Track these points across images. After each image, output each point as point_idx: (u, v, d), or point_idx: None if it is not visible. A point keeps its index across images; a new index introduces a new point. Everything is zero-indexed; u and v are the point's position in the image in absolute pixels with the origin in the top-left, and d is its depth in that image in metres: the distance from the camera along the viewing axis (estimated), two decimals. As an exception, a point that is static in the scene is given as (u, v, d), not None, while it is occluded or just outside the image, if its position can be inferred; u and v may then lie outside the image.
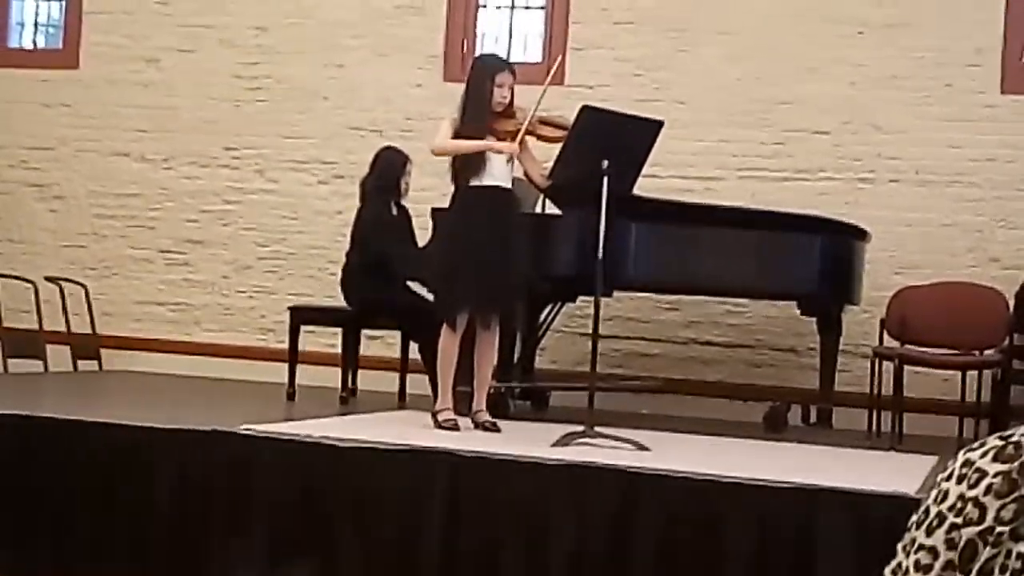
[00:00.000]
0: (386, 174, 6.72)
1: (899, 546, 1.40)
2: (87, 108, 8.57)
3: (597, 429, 5.08)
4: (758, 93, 7.63)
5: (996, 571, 1.33)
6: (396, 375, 6.94)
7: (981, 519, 1.34)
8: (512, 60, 6.21)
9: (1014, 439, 1.36)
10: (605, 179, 5.25)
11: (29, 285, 8.01)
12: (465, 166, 5.49)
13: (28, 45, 9.02)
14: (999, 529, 1.33)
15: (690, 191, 7.45)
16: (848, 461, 5.45)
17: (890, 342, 6.62)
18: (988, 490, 1.34)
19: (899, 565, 1.39)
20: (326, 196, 8.16)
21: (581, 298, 6.93)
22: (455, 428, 5.42)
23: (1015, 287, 6.83)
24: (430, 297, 6.06)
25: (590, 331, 5.55)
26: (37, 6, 9.00)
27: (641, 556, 4.26)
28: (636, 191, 5.73)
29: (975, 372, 6.68)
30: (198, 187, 8.40)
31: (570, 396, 6.68)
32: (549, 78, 5.60)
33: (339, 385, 6.70)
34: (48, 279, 8.16)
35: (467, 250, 5.48)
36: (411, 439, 4.85)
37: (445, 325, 5.52)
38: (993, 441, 1.38)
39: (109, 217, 8.53)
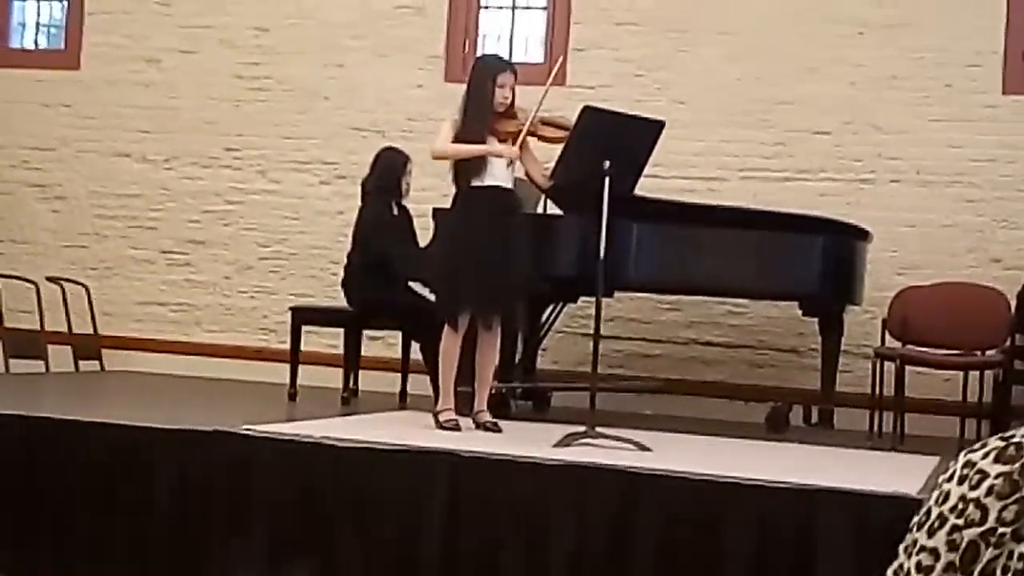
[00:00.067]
0: (387, 174, 6.72)
1: (900, 547, 1.40)
2: (88, 108, 8.58)
3: (598, 429, 5.08)
4: (759, 93, 7.63)
5: (998, 572, 1.33)
6: (397, 375, 6.94)
7: (983, 520, 1.33)
8: (513, 61, 6.21)
9: (1015, 440, 1.36)
10: (606, 179, 5.25)
11: (31, 285, 8.02)
12: (466, 167, 5.49)
13: (29, 46, 9.02)
14: (1001, 530, 1.33)
15: (691, 191, 7.45)
16: (849, 461, 5.45)
17: (891, 342, 6.62)
18: (990, 491, 1.34)
19: (900, 566, 1.39)
20: (327, 196, 8.17)
21: (582, 298, 6.93)
22: (456, 428, 5.41)
23: (1016, 287, 6.84)
24: (431, 297, 6.06)
25: (591, 331, 5.55)
26: (38, 7, 9.01)
27: (641, 556, 4.26)
28: (637, 191, 5.73)
29: (976, 372, 6.67)
30: (199, 187, 8.40)
31: (571, 396, 6.69)
32: (550, 79, 5.60)
33: (340, 385, 6.70)
34: (49, 279, 8.16)
35: (468, 250, 5.48)
36: (412, 439, 4.85)
37: (446, 325, 5.52)
38: (994, 442, 1.37)
39: (110, 217, 8.53)
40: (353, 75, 8.20)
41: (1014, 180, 7.34)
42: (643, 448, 4.99)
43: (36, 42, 9.04)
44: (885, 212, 7.37)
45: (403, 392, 6.90)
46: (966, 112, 7.40)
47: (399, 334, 7.01)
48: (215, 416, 5.29)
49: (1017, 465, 1.34)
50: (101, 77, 8.56)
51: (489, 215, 5.47)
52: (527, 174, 5.64)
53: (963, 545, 1.34)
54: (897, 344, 6.57)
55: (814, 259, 6.59)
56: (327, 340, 7.38)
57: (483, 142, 5.46)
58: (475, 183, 5.48)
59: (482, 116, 5.48)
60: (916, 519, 1.40)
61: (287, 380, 6.73)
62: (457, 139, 5.49)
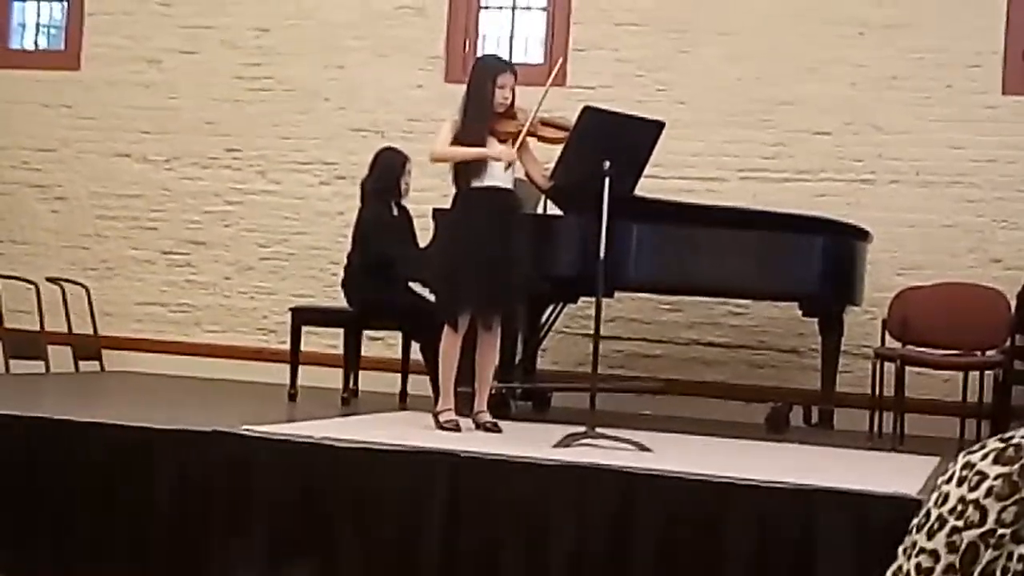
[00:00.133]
0: (386, 175, 6.72)
1: (900, 549, 1.40)
2: (88, 109, 8.58)
3: (598, 430, 5.08)
4: (759, 94, 7.63)
5: (997, 573, 1.33)
6: (397, 376, 6.94)
7: (982, 521, 1.33)
8: (513, 61, 6.21)
9: (1014, 441, 1.36)
10: (606, 180, 5.25)
11: (31, 286, 8.02)
12: (466, 168, 5.49)
13: (29, 46, 9.02)
14: (1000, 531, 1.33)
15: (691, 192, 7.45)
16: (849, 462, 5.45)
17: (891, 343, 6.62)
18: (989, 492, 1.34)
19: (900, 568, 1.39)
20: (327, 197, 8.17)
21: (582, 299, 6.93)
22: (456, 429, 5.41)
23: (1016, 288, 6.84)
24: (431, 298, 6.06)
25: (591, 332, 5.55)
26: (39, 7, 9.01)
27: (641, 556, 4.26)
28: (637, 192, 5.73)
29: (976, 373, 6.67)
30: (200, 188, 8.40)
31: (571, 397, 6.69)
32: (551, 79, 5.60)
33: (340, 386, 6.70)
34: (50, 280, 8.17)
35: (468, 251, 5.48)
36: (412, 440, 4.86)
37: (446, 326, 5.52)
38: (993, 443, 1.37)
39: (111, 218, 8.53)
40: (353, 75, 8.20)
41: (1014, 180, 7.34)
42: (643, 448, 4.99)
43: (36, 43, 9.05)
44: (885, 212, 7.37)
45: (403, 392, 6.90)
46: (966, 112, 7.40)
47: (399, 334, 7.01)
48: (215, 416, 5.29)
49: (1016, 466, 1.34)
50: (101, 78, 8.56)
51: (489, 215, 5.47)
52: (527, 174, 5.64)
53: (963, 547, 1.34)
54: (897, 344, 6.57)
55: (814, 259, 6.59)
56: (327, 340, 7.38)
57: (483, 143, 5.46)
58: (475, 184, 5.48)
59: (482, 116, 5.48)
60: (915, 521, 1.40)
61: (287, 380, 6.73)
62: (457, 140, 5.49)
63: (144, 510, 4.69)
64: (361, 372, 6.82)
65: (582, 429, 5.08)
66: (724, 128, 7.65)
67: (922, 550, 1.37)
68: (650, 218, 6.35)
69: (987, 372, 6.66)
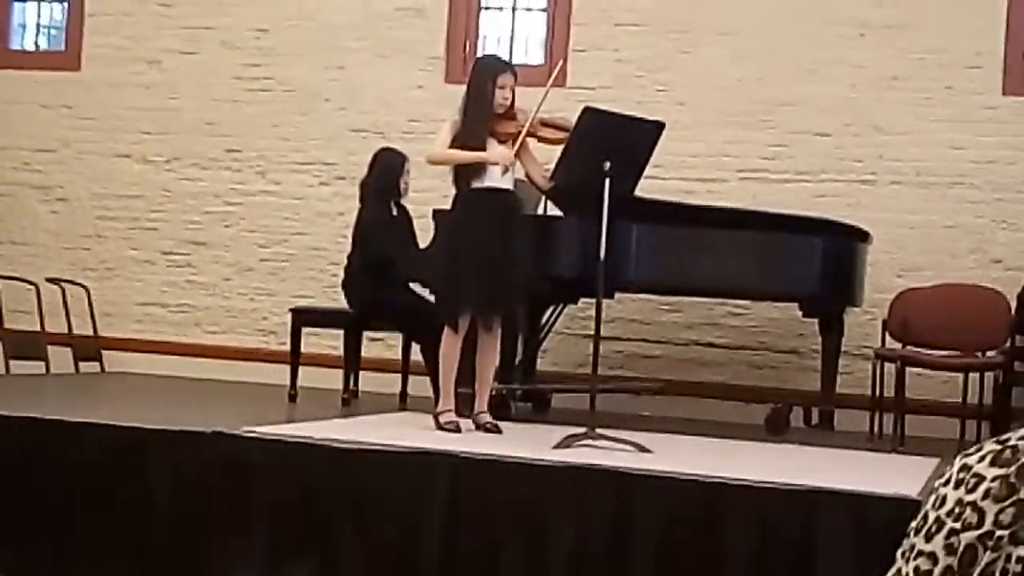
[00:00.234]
0: (385, 175, 6.72)
1: (898, 552, 1.40)
2: (89, 110, 8.58)
3: (599, 431, 5.08)
4: (759, 94, 7.63)
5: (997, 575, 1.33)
6: (397, 377, 6.94)
7: (980, 523, 1.33)
8: (513, 62, 6.21)
9: (1011, 443, 1.36)
10: (607, 181, 5.25)
11: (31, 286, 8.02)
12: (465, 169, 5.49)
13: (30, 47, 9.02)
14: (998, 533, 1.33)
15: (691, 193, 7.45)
16: (849, 463, 5.45)
17: (892, 344, 6.62)
18: (986, 494, 1.34)
19: (899, 572, 1.39)
20: (327, 198, 8.17)
21: (582, 300, 6.93)
22: (456, 430, 5.41)
23: (1017, 288, 6.84)
24: (431, 298, 6.06)
25: (592, 333, 5.55)
26: (39, 8, 9.01)
27: (641, 557, 4.25)
28: (638, 193, 5.73)
29: (977, 374, 6.67)
30: (200, 189, 8.40)
31: (571, 398, 6.69)
32: (551, 80, 5.60)
33: (341, 386, 6.71)
34: (50, 280, 8.17)
35: (468, 252, 5.48)
36: (412, 441, 4.86)
37: (447, 327, 5.52)
38: (990, 445, 1.37)
39: (111, 218, 8.53)
40: (353, 76, 8.20)
41: (1014, 181, 7.34)
42: (643, 449, 4.99)
43: (37, 43, 9.05)
44: (885, 213, 7.37)
45: (403, 393, 6.90)
46: (966, 113, 7.40)
47: (399, 335, 7.01)
48: (215, 417, 5.29)
49: (1013, 468, 1.34)
50: (102, 78, 8.56)
51: (489, 216, 5.47)
52: (527, 175, 5.64)
53: (961, 549, 1.34)
54: (897, 345, 6.57)
55: (814, 260, 6.59)
56: (327, 341, 7.38)
57: (483, 143, 5.47)
58: (475, 185, 5.48)
59: (482, 117, 5.48)
60: (913, 524, 1.39)
61: (287, 381, 6.73)
62: (457, 140, 5.49)
63: (144, 511, 4.69)
64: (361, 373, 6.82)
65: (582, 430, 5.08)
66: (724, 129, 7.65)
67: (920, 553, 1.37)
68: (650, 219, 6.35)
69: (987, 373, 6.65)
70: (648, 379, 7.50)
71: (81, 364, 8.03)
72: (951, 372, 6.73)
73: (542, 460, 4.55)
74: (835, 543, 4.10)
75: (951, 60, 7.43)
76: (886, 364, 6.48)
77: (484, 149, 5.47)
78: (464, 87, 5.68)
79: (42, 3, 8.99)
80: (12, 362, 7.70)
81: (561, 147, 5.48)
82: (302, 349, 6.79)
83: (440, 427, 5.45)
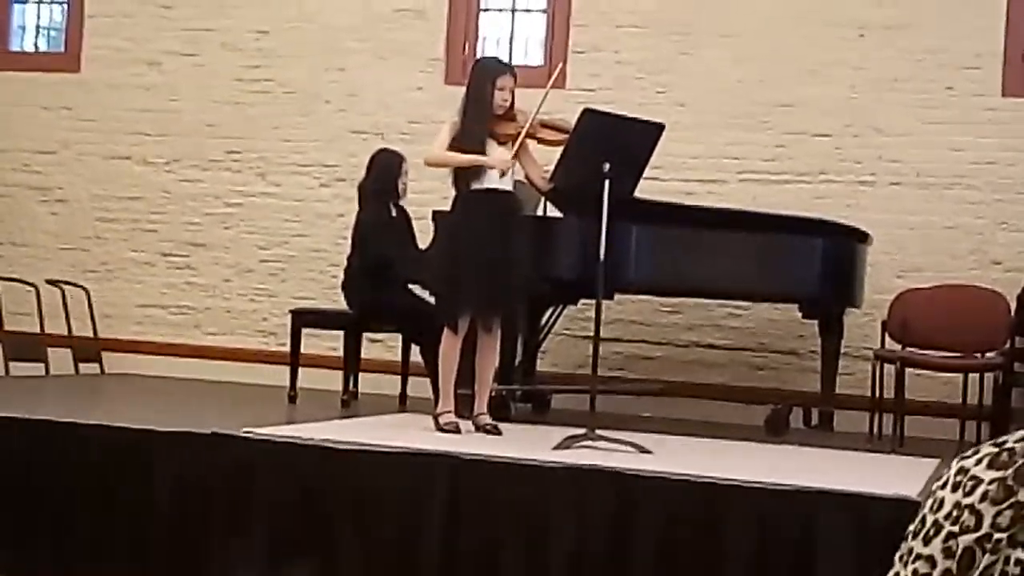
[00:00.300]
0: (383, 176, 6.72)
1: (896, 556, 1.40)
2: (89, 111, 8.58)
3: (598, 432, 5.08)
4: (759, 96, 7.63)
5: (995, 577, 1.33)
6: (397, 378, 6.94)
7: (978, 526, 1.33)
8: (513, 63, 6.21)
9: (1007, 446, 1.36)
10: (606, 182, 5.25)
11: (30, 288, 8.02)
12: (465, 170, 5.49)
13: (30, 48, 9.02)
14: (996, 536, 1.33)
15: (691, 194, 7.45)
16: (849, 464, 5.45)
17: (891, 345, 6.62)
18: (984, 497, 1.34)
19: (897, 575, 1.39)
20: (327, 199, 8.17)
21: (582, 301, 6.93)
22: (456, 431, 5.42)
23: (1016, 289, 6.84)
24: (430, 300, 6.06)
25: (591, 334, 5.55)
26: (39, 9, 9.01)
27: (641, 558, 4.26)
28: (637, 194, 5.73)
29: (976, 375, 6.67)
30: (200, 190, 8.40)
31: (571, 399, 6.69)
32: (551, 82, 5.60)
33: (340, 388, 6.71)
34: (49, 282, 8.16)
35: (468, 253, 5.48)
36: (412, 442, 4.86)
37: (446, 328, 5.52)
38: (987, 448, 1.37)
39: (111, 220, 8.53)
40: (353, 78, 8.20)
41: (1014, 182, 7.34)
42: (643, 450, 4.99)
43: (36, 45, 9.05)
44: (885, 214, 7.37)
45: (403, 394, 6.90)
46: (966, 114, 7.40)
47: (399, 336, 7.01)
48: (215, 418, 5.29)
49: (1010, 471, 1.34)
50: (101, 80, 8.57)
51: (489, 217, 5.47)
52: (527, 177, 5.64)
53: (959, 552, 1.34)
54: (897, 346, 6.58)
55: (814, 261, 6.59)
56: (327, 342, 7.38)
57: (483, 145, 5.47)
58: (475, 186, 5.48)
59: (481, 119, 5.48)
60: (911, 527, 1.40)
61: (287, 382, 6.74)
62: (456, 142, 5.49)
63: (144, 511, 4.69)
64: (361, 374, 6.82)
65: (582, 431, 5.08)
66: (724, 130, 7.65)
67: (919, 556, 1.37)
68: (650, 220, 6.35)
69: (987, 374, 6.66)
70: (648, 380, 7.50)
71: (81, 366, 8.03)
72: (951, 373, 6.73)
73: (542, 461, 4.55)
74: (835, 544, 4.11)
75: (951, 61, 7.43)
76: (886, 365, 6.48)
77: (483, 151, 5.47)
78: (464, 89, 5.68)
79: (42, 5, 8.99)
80: (12, 364, 7.70)
81: (561, 148, 5.48)
82: (302, 350, 6.80)
83: (440, 428, 5.45)
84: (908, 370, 6.43)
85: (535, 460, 4.56)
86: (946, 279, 7.08)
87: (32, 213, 8.65)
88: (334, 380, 6.87)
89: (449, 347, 5.52)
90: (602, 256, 5.24)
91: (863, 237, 6.79)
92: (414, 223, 6.83)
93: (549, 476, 4.45)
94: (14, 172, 8.68)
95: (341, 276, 6.82)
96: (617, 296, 6.70)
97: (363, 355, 6.88)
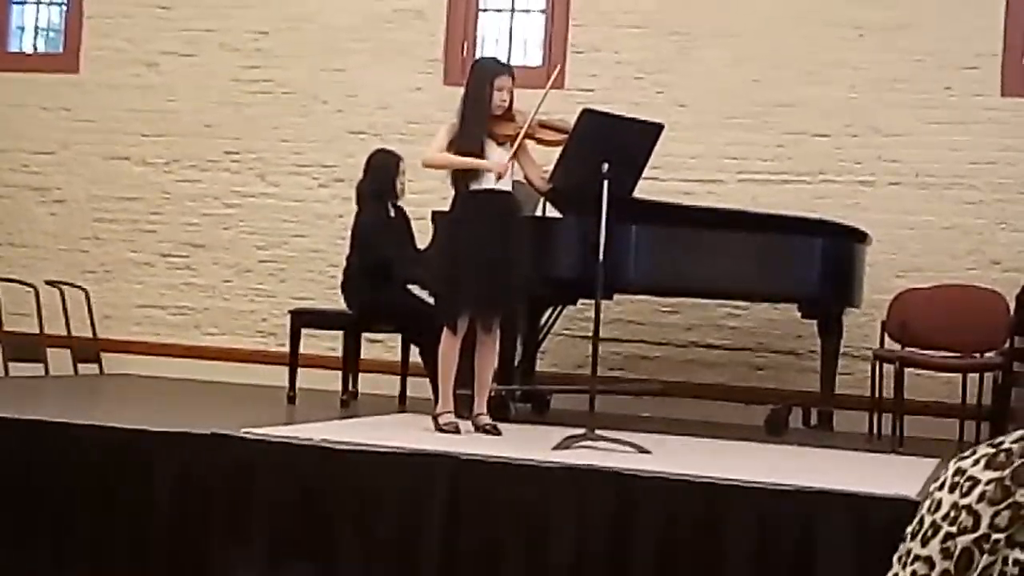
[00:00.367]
0: (381, 176, 6.72)
1: (894, 558, 1.40)
2: (88, 112, 8.58)
3: (598, 432, 5.08)
4: (759, 96, 7.63)
5: (994, 578, 1.33)
6: (397, 378, 6.94)
7: (975, 527, 1.33)
8: (512, 64, 6.21)
9: (1005, 446, 1.36)
10: (605, 182, 5.25)
11: (30, 288, 8.01)
12: (463, 171, 5.49)
13: (28, 49, 9.02)
14: (995, 536, 1.33)
15: (691, 194, 7.45)
16: (849, 463, 5.45)
17: (891, 345, 6.62)
18: (981, 497, 1.34)
19: (895, 577, 1.39)
20: (326, 199, 8.17)
21: (582, 301, 6.93)
22: (456, 431, 5.42)
23: (1016, 289, 6.83)
24: (430, 300, 6.06)
25: (591, 334, 5.55)
26: (37, 10, 9.01)
27: (641, 558, 4.26)
28: (636, 194, 5.73)
29: (976, 375, 6.67)
30: (199, 191, 8.41)
31: (571, 399, 6.69)
32: (550, 82, 5.60)
33: (340, 388, 6.71)
34: (49, 283, 8.16)
35: (467, 253, 5.48)
36: (412, 442, 4.86)
37: (446, 328, 5.52)
38: (984, 449, 1.37)
39: (110, 221, 8.53)
40: (352, 78, 8.20)
41: (1014, 183, 7.34)
42: (643, 451, 4.99)
43: (35, 46, 9.05)
44: (885, 215, 7.37)
45: (402, 395, 6.91)
46: (966, 115, 7.40)
47: (398, 337, 7.01)
48: (214, 419, 5.29)
49: (1008, 471, 1.34)
50: (100, 81, 8.56)
51: (488, 218, 5.47)
52: (526, 177, 5.64)
53: (957, 553, 1.34)
54: (896, 346, 6.58)
55: (813, 261, 6.59)
56: (326, 343, 7.38)
57: (481, 146, 5.47)
58: (474, 186, 5.48)
59: (480, 119, 5.48)
60: (909, 528, 1.40)
61: (286, 383, 6.74)
62: (454, 142, 5.49)
63: (144, 512, 4.69)
64: (360, 374, 6.82)
65: (581, 431, 5.08)
66: (724, 130, 7.65)
67: (916, 557, 1.37)
68: (649, 220, 6.36)
69: (986, 374, 6.66)
70: (647, 380, 7.50)
71: (80, 366, 8.03)
72: (950, 373, 6.73)
73: (542, 461, 4.55)
74: (835, 543, 4.11)
75: (950, 62, 7.43)
76: (885, 365, 6.48)
77: (482, 151, 5.47)
78: (463, 89, 5.68)
79: (41, 5, 8.99)
80: (11, 364, 7.70)
81: (559, 149, 5.48)
82: (301, 351, 6.80)
83: (439, 428, 5.45)
84: (907, 370, 6.43)
85: (535, 460, 4.56)
86: (945, 279, 7.08)
87: (31, 214, 8.65)
88: (333, 380, 6.87)
89: (448, 347, 5.52)
90: (601, 256, 5.24)
91: (862, 237, 6.79)
92: (413, 223, 6.84)
93: (549, 476, 4.45)
94: (13, 173, 8.68)
95: (340, 276, 6.83)
96: (616, 296, 6.70)
97: (362, 355, 6.88)
